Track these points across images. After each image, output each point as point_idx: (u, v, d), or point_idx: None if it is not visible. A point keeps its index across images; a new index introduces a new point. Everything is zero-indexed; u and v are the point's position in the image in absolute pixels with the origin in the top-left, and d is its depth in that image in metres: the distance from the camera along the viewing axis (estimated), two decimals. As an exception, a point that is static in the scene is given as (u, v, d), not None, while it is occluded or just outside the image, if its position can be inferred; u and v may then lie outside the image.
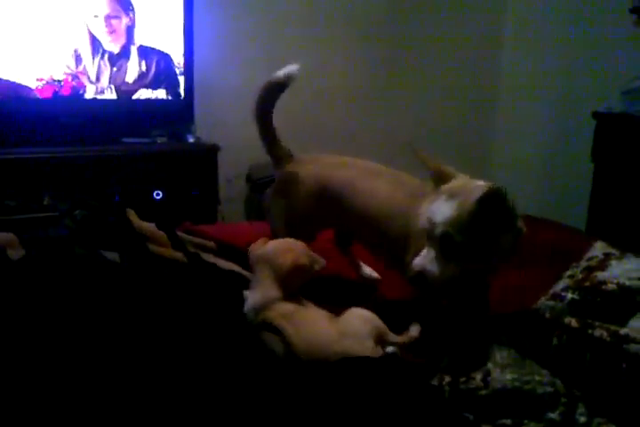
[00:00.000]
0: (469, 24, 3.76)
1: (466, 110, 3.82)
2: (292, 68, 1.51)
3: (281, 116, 1.78)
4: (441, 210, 1.05)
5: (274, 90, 1.54)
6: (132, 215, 1.63)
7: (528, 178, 3.74)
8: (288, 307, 1.14)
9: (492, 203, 1.02)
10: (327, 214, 1.47)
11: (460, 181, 1.12)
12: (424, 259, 1.05)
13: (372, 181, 1.43)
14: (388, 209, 1.34)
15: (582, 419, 0.85)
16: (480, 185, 1.09)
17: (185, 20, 2.79)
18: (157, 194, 2.68)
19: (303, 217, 1.48)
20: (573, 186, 3.32)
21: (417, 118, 3.71)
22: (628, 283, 1.00)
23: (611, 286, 1.01)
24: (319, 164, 1.54)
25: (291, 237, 1.32)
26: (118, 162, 2.64)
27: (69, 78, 2.65)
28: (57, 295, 1.15)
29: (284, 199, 1.52)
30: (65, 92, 2.65)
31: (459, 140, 3.83)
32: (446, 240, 1.04)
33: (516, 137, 3.85)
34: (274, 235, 1.48)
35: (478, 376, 0.94)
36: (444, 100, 3.76)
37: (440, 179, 1.15)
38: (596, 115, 2.89)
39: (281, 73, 1.51)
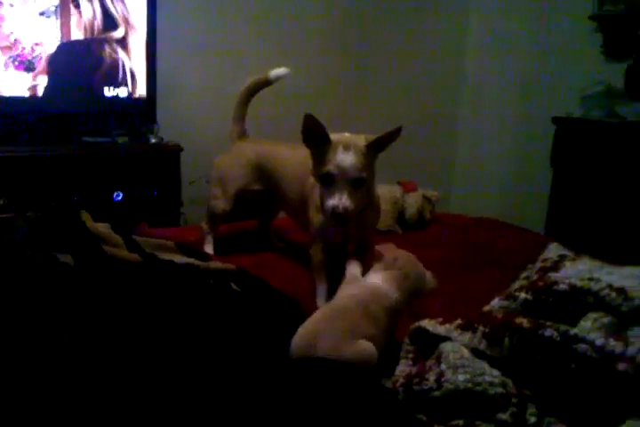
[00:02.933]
0: (433, 31, 3.81)
1: (428, 117, 3.86)
2: (283, 70, 1.87)
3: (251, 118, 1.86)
4: (346, 158, 1.32)
5: (261, 84, 1.91)
6: (86, 217, 1.59)
7: (489, 182, 3.79)
8: None
9: (376, 146, 1.37)
10: (259, 179, 1.84)
11: (340, 136, 1.39)
12: (341, 199, 1.31)
13: (291, 151, 1.75)
14: (295, 172, 1.67)
15: (532, 419, 0.85)
16: (360, 136, 1.40)
17: (148, 18, 2.76)
18: (117, 195, 2.63)
19: (240, 181, 1.86)
20: (533, 190, 3.38)
21: (380, 122, 3.73)
22: (579, 283, 1.01)
23: (562, 287, 1.01)
24: (261, 142, 1.94)
25: (224, 196, 1.87)
26: (77, 161, 2.59)
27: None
28: (6, 299, 1.12)
29: (229, 167, 1.90)
30: (22, 89, 2.59)
31: (422, 145, 3.86)
32: (358, 180, 1.32)
33: (477, 142, 3.90)
34: (212, 197, 1.90)
35: (432, 378, 0.94)
36: (408, 107, 3.79)
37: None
38: (555, 120, 2.94)
39: (274, 73, 1.87)
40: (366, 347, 1.06)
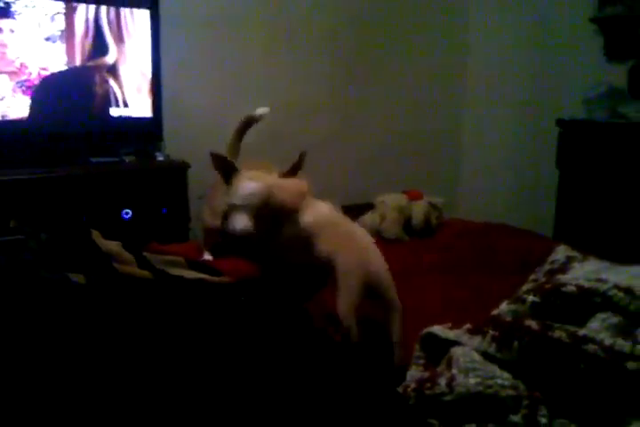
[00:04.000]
0: (434, 35, 3.84)
1: (433, 121, 3.88)
2: (264, 109, 1.95)
3: (249, 131, 1.86)
4: (247, 188, 1.40)
5: (249, 123, 1.96)
6: (97, 236, 1.61)
7: (496, 185, 3.79)
8: None
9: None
10: None
11: (249, 172, 1.46)
12: (242, 221, 1.37)
13: None
14: None
15: (544, 420, 0.85)
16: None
17: (152, 37, 2.80)
18: (127, 213, 2.66)
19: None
20: (540, 192, 3.38)
21: (384, 129, 3.76)
22: (586, 284, 1.01)
23: (570, 288, 1.02)
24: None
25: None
26: (86, 182, 2.61)
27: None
28: (22, 320, 1.13)
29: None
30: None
31: (427, 149, 3.88)
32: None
33: (483, 147, 3.91)
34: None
35: (443, 382, 0.94)
36: (411, 112, 3.82)
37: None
38: (559, 122, 2.95)
39: (257, 112, 1.95)
40: None
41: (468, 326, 1.03)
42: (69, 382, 0.92)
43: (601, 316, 0.97)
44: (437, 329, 1.06)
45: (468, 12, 3.88)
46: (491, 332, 0.98)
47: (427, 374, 1.01)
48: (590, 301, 0.99)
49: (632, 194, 2.63)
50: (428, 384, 0.95)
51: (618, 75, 2.94)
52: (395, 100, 3.76)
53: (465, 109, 3.98)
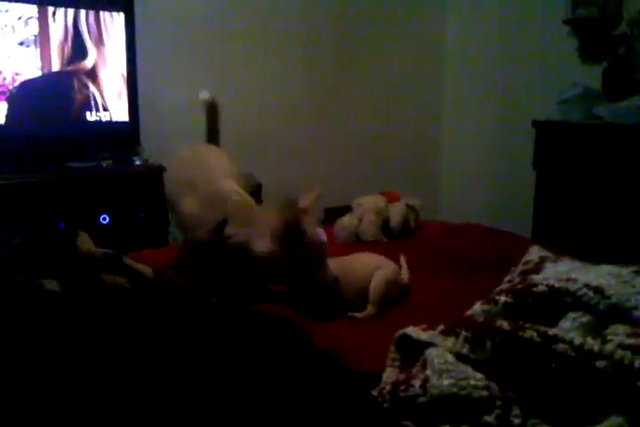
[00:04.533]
0: (412, 39, 3.87)
1: (412, 124, 3.90)
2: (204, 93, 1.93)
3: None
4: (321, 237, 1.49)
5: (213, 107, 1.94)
6: (83, 240, 1.56)
7: (475, 189, 3.82)
8: None
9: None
10: None
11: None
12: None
13: None
14: None
15: (517, 421, 0.86)
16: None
17: (127, 40, 2.79)
18: (104, 218, 2.64)
19: None
20: (518, 194, 3.41)
21: (364, 132, 3.77)
22: (557, 284, 1.02)
23: (541, 288, 1.03)
24: None
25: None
26: (62, 187, 2.59)
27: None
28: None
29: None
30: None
31: (406, 153, 3.90)
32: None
33: (461, 149, 3.94)
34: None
35: (417, 383, 0.94)
36: (390, 115, 3.83)
37: None
38: (535, 124, 2.98)
39: (204, 98, 1.94)
40: None
41: (441, 327, 1.03)
42: (41, 392, 0.90)
43: (572, 315, 0.98)
44: (411, 331, 1.07)
45: (444, 17, 3.92)
46: (463, 333, 0.98)
47: (402, 376, 1.01)
48: (561, 300, 1.00)
49: (608, 193, 2.66)
50: (403, 386, 0.95)
51: (592, 76, 2.98)
52: (374, 104, 3.78)
53: (443, 112, 4.01)
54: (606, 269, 1.10)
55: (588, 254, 1.53)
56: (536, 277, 1.14)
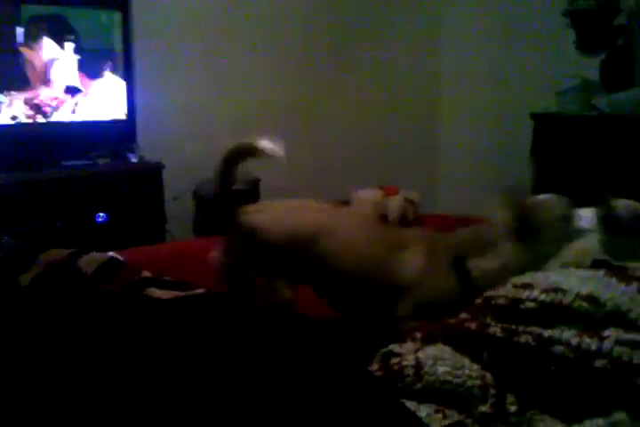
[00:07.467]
0: (408, 32, 3.84)
1: (410, 117, 3.88)
2: (274, 148, 1.37)
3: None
4: None
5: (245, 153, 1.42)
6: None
7: (474, 181, 3.80)
8: None
9: None
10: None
11: None
12: None
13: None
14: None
15: (513, 408, 0.84)
16: None
17: (123, 39, 2.77)
18: (101, 216, 2.63)
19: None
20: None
21: (363, 126, 3.75)
22: (547, 299, 0.95)
23: (529, 305, 0.94)
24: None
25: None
26: (58, 186, 2.58)
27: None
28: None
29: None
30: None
31: (405, 146, 3.88)
32: None
33: (459, 142, 3.92)
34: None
35: (411, 371, 0.92)
36: (388, 109, 3.82)
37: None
38: (533, 115, 2.96)
39: (263, 145, 1.37)
40: None
41: (419, 335, 1.02)
42: (34, 386, 0.89)
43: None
44: (393, 347, 1.03)
45: (440, 9, 3.89)
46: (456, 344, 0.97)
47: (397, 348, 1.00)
48: (553, 314, 0.95)
49: (606, 185, 2.65)
50: (396, 360, 0.94)
51: (590, 67, 2.96)
52: (372, 97, 3.76)
53: (441, 105, 3.99)
54: (580, 273, 1.01)
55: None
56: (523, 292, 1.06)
